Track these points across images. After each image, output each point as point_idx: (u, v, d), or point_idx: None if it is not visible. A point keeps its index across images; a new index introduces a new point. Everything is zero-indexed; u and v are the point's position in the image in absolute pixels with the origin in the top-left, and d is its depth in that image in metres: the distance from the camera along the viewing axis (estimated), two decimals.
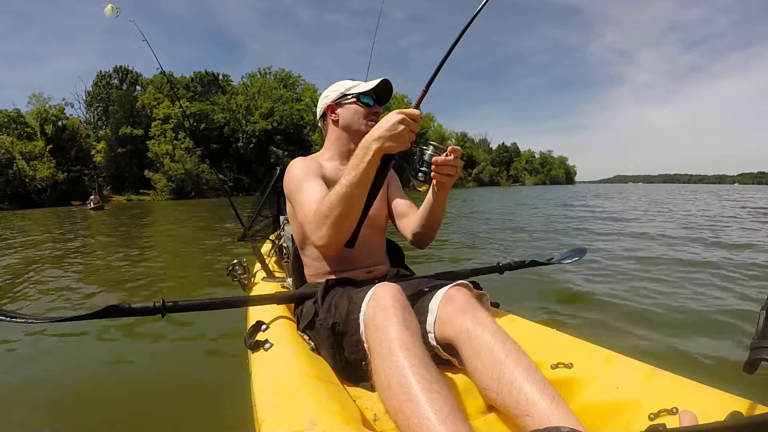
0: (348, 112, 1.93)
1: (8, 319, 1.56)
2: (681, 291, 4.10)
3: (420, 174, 1.59)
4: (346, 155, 1.91)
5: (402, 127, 1.43)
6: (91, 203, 31.80)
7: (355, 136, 1.92)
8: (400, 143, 1.45)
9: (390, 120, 1.44)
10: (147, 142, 53.65)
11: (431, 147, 1.58)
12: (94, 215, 23.50)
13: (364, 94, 1.92)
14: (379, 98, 1.96)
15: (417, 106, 1.55)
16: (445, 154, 1.57)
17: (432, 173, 1.60)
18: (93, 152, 54.88)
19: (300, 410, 1.09)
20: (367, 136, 1.49)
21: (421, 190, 1.67)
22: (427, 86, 1.60)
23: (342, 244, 1.59)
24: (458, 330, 1.34)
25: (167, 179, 52.02)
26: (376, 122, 1.69)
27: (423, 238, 1.97)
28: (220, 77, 66.04)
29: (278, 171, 3.07)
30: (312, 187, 1.73)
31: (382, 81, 1.92)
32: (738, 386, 1.21)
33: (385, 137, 1.43)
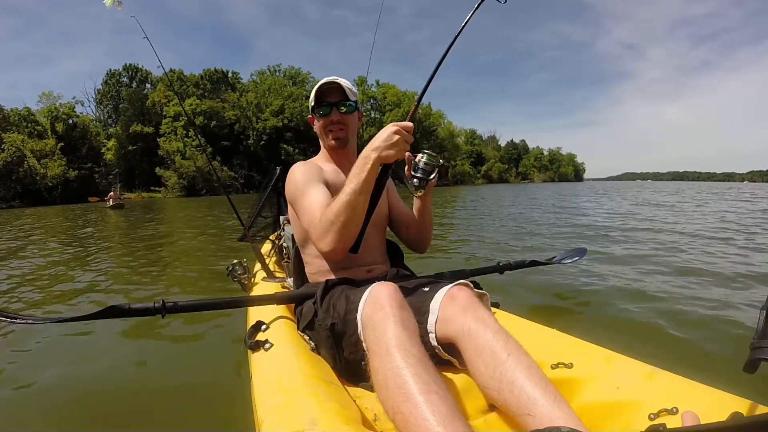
0: (317, 125, 2.03)
1: (8, 320, 1.58)
2: (681, 291, 4.07)
3: (415, 180, 1.72)
4: (336, 158, 2.04)
5: (397, 137, 1.57)
6: (110, 201, 28.00)
7: (327, 146, 2.04)
8: (396, 152, 1.58)
9: (386, 132, 1.58)
10: (158, 140, 53.71)
11: (425, 155, 1.71)
12: (113, 214, 21.47)
13: (316, 106, 1.97)
14: (338, 99, 1.96)
15: (410, 119, 1.68)
16: (437, 160, 1.71)
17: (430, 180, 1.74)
18: (104, 150, 55.12)
19: (300, 410, 1.09)
20: (366, 147, 1.61)
21: (417, 195, 1.82)
22: (419, 101, 1.77)
23: (347, 249, 1.68)
24: (460, 329, 1.34)
25: (178, 176, 52.11)
26: (337, 130, 1.95)
27: (421, 240, 2.10)
28: (230, 75, 66.23)
29: (278, 171, 3.08)
30: (315, 192, 1.79)
31: (320, 87, 1.95)
32: (738, 386, 1.19)
33: (383, 147, 1.56)
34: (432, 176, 1.75)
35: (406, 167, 1.78)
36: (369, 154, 1.58)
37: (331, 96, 1.95)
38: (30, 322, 1.65)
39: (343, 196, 1.59)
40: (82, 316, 1.64)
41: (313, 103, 1.96)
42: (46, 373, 2.68)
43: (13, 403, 2.35)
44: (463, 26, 1.84)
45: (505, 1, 1.93)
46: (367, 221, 1.68)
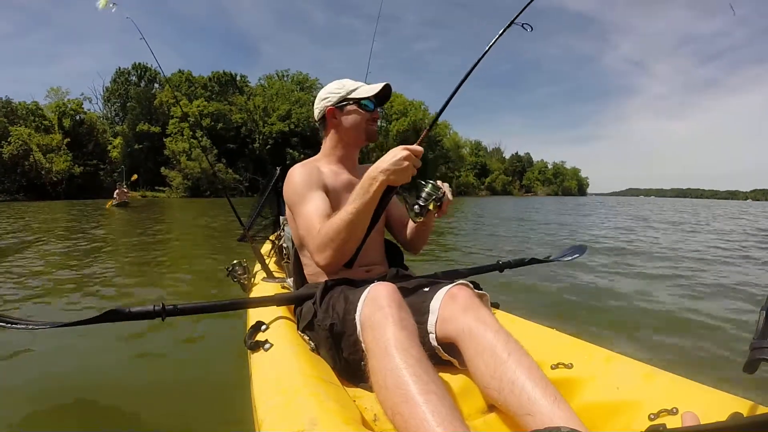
0: (348, 118, 1.97)
1: (8, 324, 1.58)
2: (681, 291, 4.09)
3: (416, 207, 1.71)
4: (344, 159, 2.02)
5: (407, 163, 1.57)
6: (116, 198, 25.18)
7: (354, 141, 2.01)
8: (403, 177, 1.60)
9: (396, 155, 1.57)
10: (164, 140, 53.74)
11: (429, 185, 1.71)
12: (116, 212, 20.35)
13: (365, 99, 1.94)
14: (379, 100, 1.99)
15: (420, 143, 1.68)
16: (440, 192, 1.71)
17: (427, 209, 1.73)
18: (109, 147, 55.17)
19: (300, 410, 1.09)
20: (373, 167, 1.60)
21: (416, 221, 1.79)
22: (430, 127, 1.84)
23: (343, 264, 1.70)
24: (460, 328, 1.35)
25: (183, 177, 52.08)
26: (375, 126, 1.93)
27: (414, 245, 2.12)
28: (238, 78, 66.33)
29: (278, 171, 3.09)
30: (314, 200, 1.78)
31: (384, 86, 1.95)
32: (738, 386, 1.20)
33: (391, 170, 1.57)
34: (429, 198, 1.73)
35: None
36: (376, 176, 1.58)
37: (382, 96, 1.98)
38: (30, 327, 1.64)
39: (346, 214, 1.60)
40: (82, 321, 1.63)
41: (359, 96, 1.94)
42: (45, 376, 2.68)
43: (13, 407, 2.34)
44: (486, 51, 1.86)
45: (532, 29, 1.93)
46: (366, 238, 1.70)
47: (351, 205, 1.60)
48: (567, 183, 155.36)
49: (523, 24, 1.89)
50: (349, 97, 1.94)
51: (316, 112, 2.06)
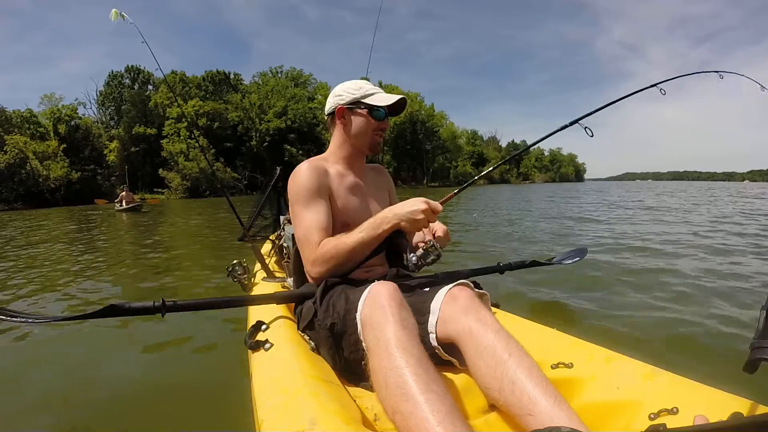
0: (357, 122, 1.93)
1: (8, 318, 1.58)
2: (681, 291, 4.06)
3: (414, 258, 1.75)
4: (350, 160, 1.99)
5: (422, 216, 1.62)
6: (122, 202, 23.13)
7: (360, 145, 1.97)
8: (415, 227, 1.67)
9: (415, 205, 1.63)
10: (161, 141, 53.55)
11: (431, 245, 1.74)
12: (125, 217, 19.02)
13: (377, 108, 1.90)
14: (392, 110, 1.95)
15: (443, 203, 1.77)
16: (437, 253, 1.74)
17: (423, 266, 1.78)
18: (106, 152, 54.90)
19: (300, 410, 1.09)
20: (389, 209, 1.67)
21: (410, 269, 1.84)
22: (459, 191, 2.04)
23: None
24: (461, 328, 1.35)
25: (182, 178, 51.92)
26: (381, 138, 1.92)
27: None
28: (232, 76, 66.05)
29: (278, 171, 3.08)
30: (315, 209, 1.79)
31: (399, 100, 1.92)
32: (738, 386, 1.19)
33: (405, 219, 1.63)
34: (428, 261, 1.78)
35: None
36: (390, 218, 1.64)
37: (397, 106, 1.94)
38: (30, 320, 1.64)
39: (350, 241, 1.65)
40: (82, 315, 1.64)
41: (373, 102, 1.90)
42: (45, 371, 2.69)
43: (12, 403, 2.34)
44: (540, 140, 2.16)
45: (592, 135, 1.99)
46: (362, 263, 1.75)
47: (357, 235, 1.65)
48: (564, 169, 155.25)
49: (585, 127, 2.06)
50: (363, 101, 1.91)
51: (327, 107, 2.01)
